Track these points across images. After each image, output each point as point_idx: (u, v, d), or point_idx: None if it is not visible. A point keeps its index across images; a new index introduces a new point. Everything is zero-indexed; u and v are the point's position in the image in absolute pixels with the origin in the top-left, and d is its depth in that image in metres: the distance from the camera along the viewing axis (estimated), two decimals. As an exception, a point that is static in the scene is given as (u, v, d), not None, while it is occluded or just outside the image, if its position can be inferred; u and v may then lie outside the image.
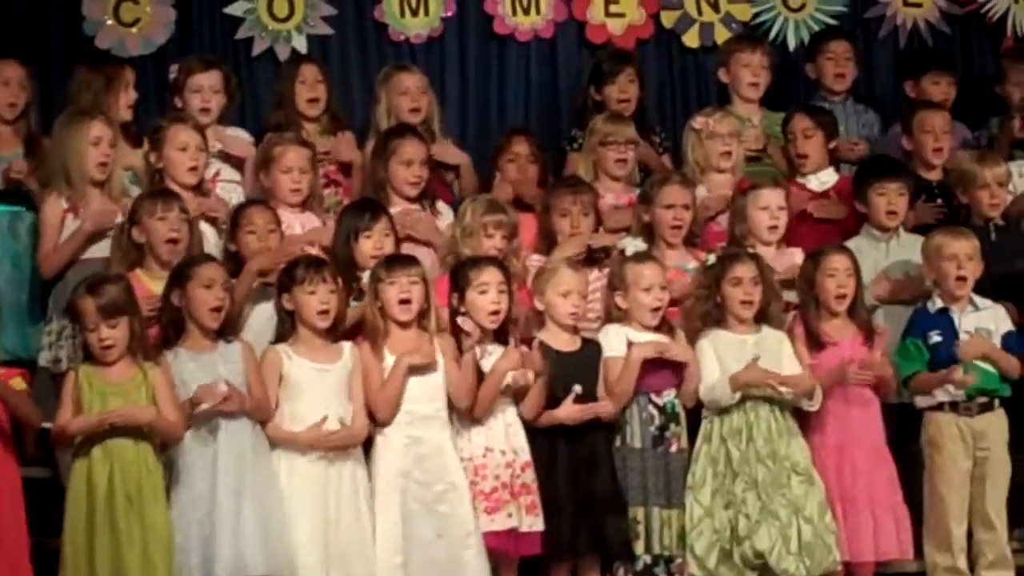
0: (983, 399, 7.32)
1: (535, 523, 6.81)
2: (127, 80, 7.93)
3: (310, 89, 8.19)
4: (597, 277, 7.43)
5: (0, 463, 6.51)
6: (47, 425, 6.60)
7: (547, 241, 7.56)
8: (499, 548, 6.78)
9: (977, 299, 7.44)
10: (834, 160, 8.34)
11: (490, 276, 6.91)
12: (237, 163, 7.91)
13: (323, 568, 6.57)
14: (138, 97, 7.99)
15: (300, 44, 8.93)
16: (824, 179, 8.22)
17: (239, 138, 8.02)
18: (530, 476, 6.84)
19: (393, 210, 7.48)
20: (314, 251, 7.04)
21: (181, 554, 6.46)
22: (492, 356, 6.90)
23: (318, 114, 8.20)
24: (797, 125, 8.25)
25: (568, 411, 6.93)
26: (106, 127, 7.38)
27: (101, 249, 7.23)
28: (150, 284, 6.96)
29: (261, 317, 7.08)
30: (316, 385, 6.72)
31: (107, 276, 6.78)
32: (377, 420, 6.79)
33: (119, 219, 7.21)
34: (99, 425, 6.42)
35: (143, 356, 6.59)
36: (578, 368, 6.99)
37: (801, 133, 8.22)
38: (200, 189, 7.53)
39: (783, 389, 7.06)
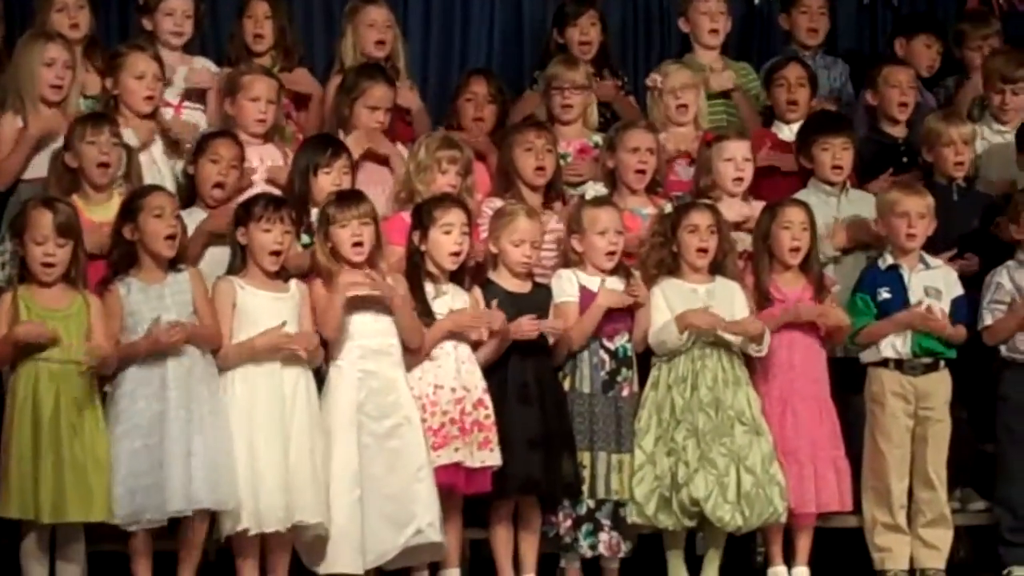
0: (928, 359, 7.33)
1: (488, 458, 6.82)
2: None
3: (256, 24, 8.13)
4: (555, 222, 7.44)
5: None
6: None
7: (504, 181, 7.52)
8: (446, 483, 6.79)
9: (928, 258, 7.44)
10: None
11: (455, 217, 6.92)
12: (200, 92, 7.88)
13: (281, 493, 6.56)
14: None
15: (263, -24, 8.81)
16: (796, 130, 8.16)
17: (205, 68, 7.97)
18: (483, 413, 6.85)
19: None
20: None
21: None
22: (447, 296, 6.93)
23: (263, 50, 8.12)
24: (791, 73, 8.27)
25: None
26: (62, 49, 7.35)
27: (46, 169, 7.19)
28: (86, 211, 6.90)
29: (211, 262, 7.02)
30: (271, 313, 6.68)
31: (60, 199, 6.77)
32: (325, 338, 6.76)
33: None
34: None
35: (82, 284, 6.59)
36: (528, 310, 6.98)
37: (796, 81, 8.25)
38: (155, 117, 7.50)
39: (730, 336, 7.08)
